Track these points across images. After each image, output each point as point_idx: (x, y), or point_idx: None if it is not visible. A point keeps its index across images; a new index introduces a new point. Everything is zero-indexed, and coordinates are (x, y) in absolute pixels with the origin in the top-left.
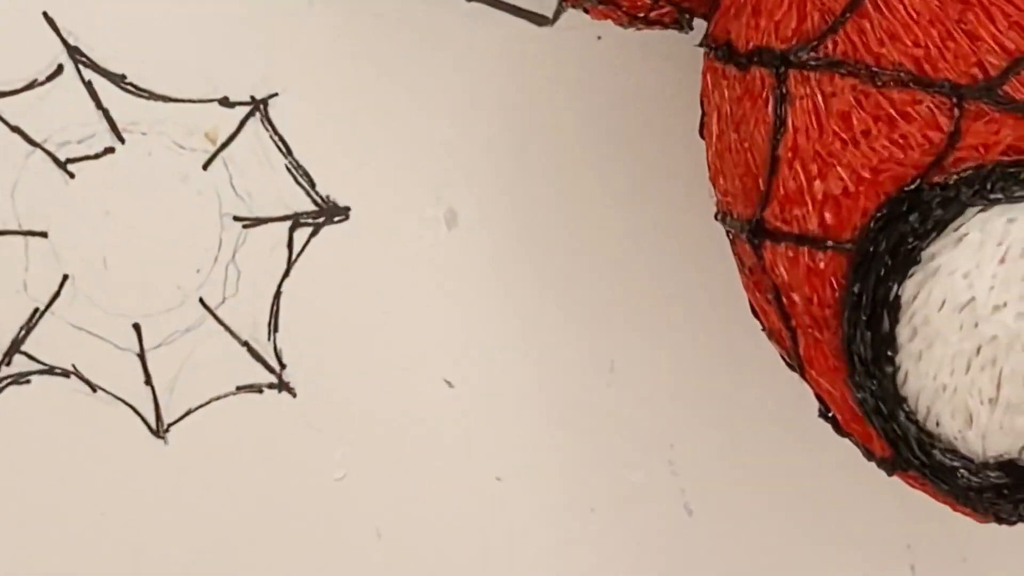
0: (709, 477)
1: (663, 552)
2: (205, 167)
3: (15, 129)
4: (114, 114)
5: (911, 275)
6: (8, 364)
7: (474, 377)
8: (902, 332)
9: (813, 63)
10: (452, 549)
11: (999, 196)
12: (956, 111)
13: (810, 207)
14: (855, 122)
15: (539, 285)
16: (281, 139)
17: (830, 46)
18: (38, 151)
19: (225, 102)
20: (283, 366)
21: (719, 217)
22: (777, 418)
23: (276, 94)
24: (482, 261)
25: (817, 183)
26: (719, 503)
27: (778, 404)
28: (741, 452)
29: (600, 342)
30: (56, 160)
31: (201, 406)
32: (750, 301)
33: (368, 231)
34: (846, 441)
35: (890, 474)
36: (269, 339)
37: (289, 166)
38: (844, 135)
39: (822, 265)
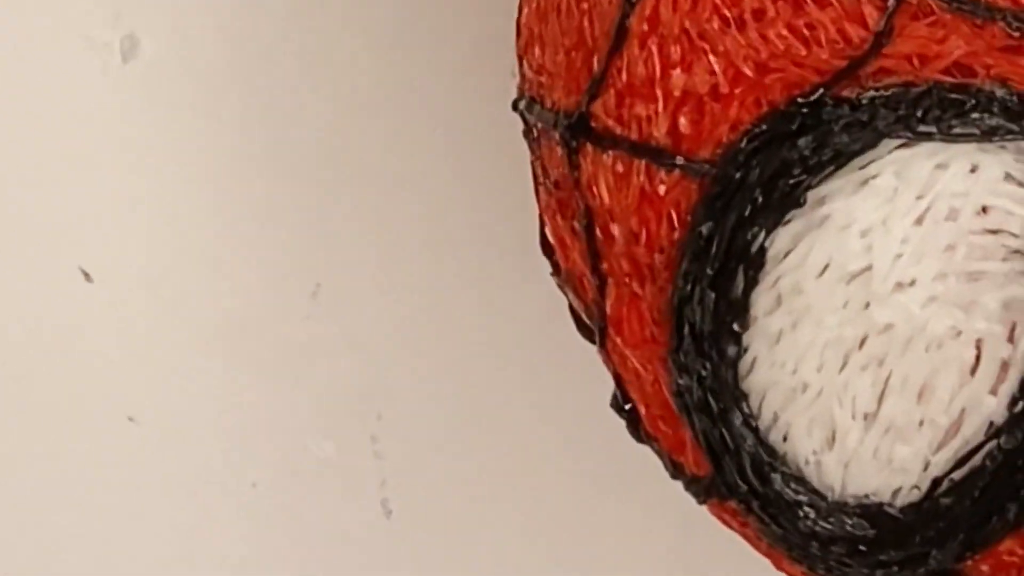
0: (424, 470)
1: (343, 560)
2: None
3: None
4: None
5: (787, 221)
6: None
7: (122, 272)
8: (760, 300)
9: None
10: (49, 509)
11: (931, 129)
12: (890, 1)
13: (660, 106)
14: None
15: (237, 157)
16: None
17: None
18: None
19: None
20: None
21: (522, 105)
22: (544, 400)
23: None
24: (162, 112)
25: (677, 73)
26: (431, 509)
27: (550, 381)
28: (479, 443)
29: (305, 255)
30: None
31: None
32: (543, 228)
33: (7, 47)
34: (643, 448)
35: (702, 501)
36: None
37: None
38: (727, 11)
39: (663, 190)
